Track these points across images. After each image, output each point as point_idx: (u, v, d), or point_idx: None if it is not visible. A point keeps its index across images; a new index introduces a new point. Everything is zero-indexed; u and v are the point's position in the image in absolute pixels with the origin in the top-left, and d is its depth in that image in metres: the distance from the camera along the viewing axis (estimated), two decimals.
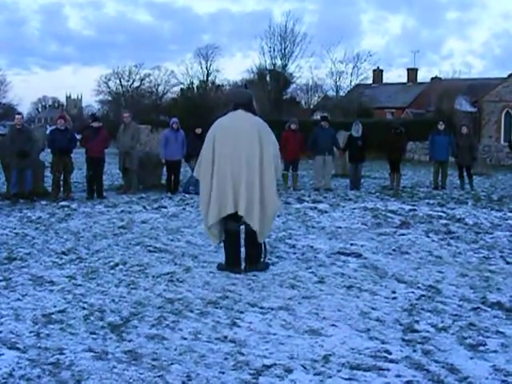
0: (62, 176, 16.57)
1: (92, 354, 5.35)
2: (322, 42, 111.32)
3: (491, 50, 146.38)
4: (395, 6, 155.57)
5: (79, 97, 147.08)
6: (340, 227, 12.12)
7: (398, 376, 4.95)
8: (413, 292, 7.49)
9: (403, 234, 11.41)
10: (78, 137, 18.09)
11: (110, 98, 77.53)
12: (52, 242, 10.50)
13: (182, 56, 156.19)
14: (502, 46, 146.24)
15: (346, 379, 4.86)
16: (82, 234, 11.25)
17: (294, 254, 9.66)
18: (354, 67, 64.53)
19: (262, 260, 8.65)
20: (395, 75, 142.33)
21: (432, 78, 64.30)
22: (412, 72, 69.13)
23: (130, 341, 5.70)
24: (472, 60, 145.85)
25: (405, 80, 69.34)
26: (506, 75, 49.15)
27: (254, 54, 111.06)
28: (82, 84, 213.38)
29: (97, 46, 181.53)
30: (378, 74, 69.42)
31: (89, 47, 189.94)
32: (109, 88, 77.02)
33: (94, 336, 5.82)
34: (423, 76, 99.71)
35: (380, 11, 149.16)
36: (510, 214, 14.19)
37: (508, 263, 9.22)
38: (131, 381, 4.83)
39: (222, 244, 8.79)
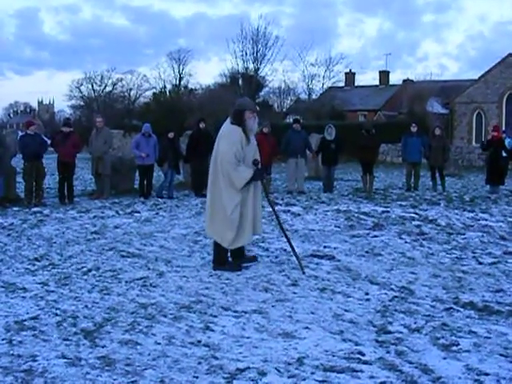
0: (35, 182, 16.47)
1: (65, 360, 5.31)
2: (300, 45, 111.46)
3: (466, 52, 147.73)
4: (372, 9, 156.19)
5: (51, 102, 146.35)
6: (313, 230, 12.14)
7: (372, 377, 4.96)
8: (386, 293, 7.52)
9: (376, 236, 11.46)
10: (49, 141, 18.02)
11: (82, 103, 77.17)
12: (24, 248, 10.44)
13: (158, 60, 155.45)
14: (477, 48, 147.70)
15: (319, 381, 4.86)
16: (55, 239, 11.19)
17: (268, 257, 9.67)
18: (326, 70, 64.81)
19: (218, 261, 8.90)
20: (370, 78, 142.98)
21: (404, 81, 64.64)
22: (384, 74, 69.46)
23: (103, 346, 5.67)
24: (447, 62, 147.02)
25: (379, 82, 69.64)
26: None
27: (231, 58, 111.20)
28: (55, 89, 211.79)
29: (72, 50, 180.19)
30: (350, 76, 69.67)
31: (64, 52, 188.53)
32: (81, 93, 76.69)
33: (67, 342, 5.78)
34: (399, 78, 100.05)
35: (357, 14, 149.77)
36: (481, 215, 14.28)
37: (480, 263, 9.28)
38: None
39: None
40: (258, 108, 9.50)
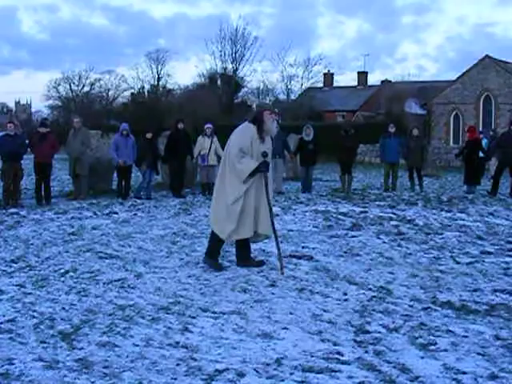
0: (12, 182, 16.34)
1: (42, 363, 5.28)
2: (279, 45, 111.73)
3: (444, 54, 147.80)
4: (352, 10, 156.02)
5: (28, 102, 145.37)
6: (291, 230, 12.15)
7: (350, 377, 4.97)
8: (364, 293, 7.55)
9: (354, 236, 11.49)
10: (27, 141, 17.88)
11: (59, 103, 76.78)
12: (1, 250, 10.36)
13: (137, 60, 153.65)
14: (455, 50, 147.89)
15: (298, 382, 4.87)
16: (32, 241, 11.11)
17: None
18: (304, 71, 64.82)
19: (209, 254, 9.09)
20: (349, 78, 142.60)
21: (382, 81, 64.82)
22: (362, 75, 69.58)
23: (80, 349, 5.64)
24: (425, 63, 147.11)
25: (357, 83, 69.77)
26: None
27: (210, 58, 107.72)
28: (33, 89, 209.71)
29: (50, 50, 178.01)
30: (328, 77, 69.71)
31: (42, 51, 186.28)
32: (58, 93, 76.28)
33: (45, 345, 5.75)
34: (378, 79, 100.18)
35: (337, 15, 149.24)
36: (459, 215, 14.37)
37: (458, 263, 9.33)
38: None
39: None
40: (276, 110, 9.61)
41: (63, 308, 6.97)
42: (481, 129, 35.94)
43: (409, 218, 13.84)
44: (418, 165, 20.63)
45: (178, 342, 5.81)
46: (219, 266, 8.94)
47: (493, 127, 41.02)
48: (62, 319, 6.55)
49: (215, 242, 9.01)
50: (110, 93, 76.23)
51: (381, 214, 14.34)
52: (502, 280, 8.30)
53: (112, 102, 75.33)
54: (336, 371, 5.09)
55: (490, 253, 10.07)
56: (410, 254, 10.02)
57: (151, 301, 7.24)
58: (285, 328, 6.24)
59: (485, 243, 10.91)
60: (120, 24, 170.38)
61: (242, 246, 9.07)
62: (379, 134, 22.13)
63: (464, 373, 5.07)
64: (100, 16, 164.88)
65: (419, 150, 20.40)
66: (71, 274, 8.64)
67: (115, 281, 8.20)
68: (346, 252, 10.13)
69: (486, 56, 47.36)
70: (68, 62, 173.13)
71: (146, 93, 69.74)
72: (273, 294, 7.55)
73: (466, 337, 5.99)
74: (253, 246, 10.08)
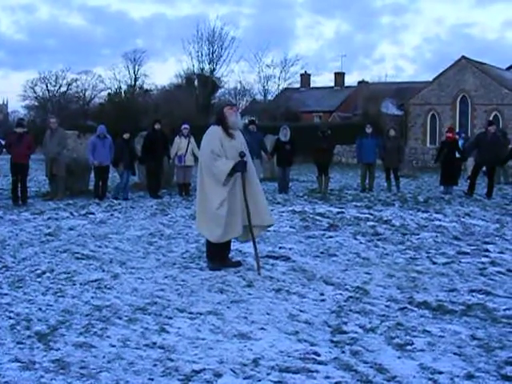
0: None
1: (19, 364, 5.24)
2: (257, 46, 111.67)
3: (422, 55, 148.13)
4: (330, 11, 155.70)
5: (5, 102, 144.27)
6: (268, 231, 12.09)
7: (327, 377, 4.98)
8: (341, 294, 7.56)
9: (331, 237, 11.51)
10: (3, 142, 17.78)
11: (36, 104, 76.42)
12: None
13: (115, 60, 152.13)
14: (433, 51, 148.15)
15: (275, 382, 4.87)
16: (8, 241, 11.05)
17: None
18: (281, 71, 64.89)
19: (209, 258, 9.07)
20: (326, 79, 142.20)
21: (359, 82, 65.03)
22: (339, 76, 69.84)
23: (57, 349, 5.61)
24: (403, 64, 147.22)
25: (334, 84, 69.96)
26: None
27: (187, 59, 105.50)
28: (9, 89, 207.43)
29: (28, 50, 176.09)
30: (305, 78, 69.89)
31: (19, 52, 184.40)
32: (35, 93, 75.94)
33: (21, 346, 5.71)
34: (355, 80, 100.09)
35: (315, 16, 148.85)
36: (435, 215, 14.43)
37: (434, 263, 9.37)
38: None
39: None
40: (235, 103, 9.66)
41: (40, 309, 6.93)
42: (457, 130, 36.21)
43: (385, 218, 13.90)
44: (395, 165, 20.72)
45: (154, 343, 5.80)
46: (216, 264, 8.92)
47: (468, 128, 41.40)
48: (38, 320, 6.51)
49: (210, 245, 8.95)
50: (86, 93, 76.19)
51: (358, 215, 14.39)
52: (478, 280, 8.35)
53: (89, 103, 75.14)
54: (313, 371, 5.09)
55: (466, 253, 10.12)
56: (387, 254, 10.06)
57: (128, 301, 7.21)
58: (262, 328, 6.24)
59: (461, 243, 10.98)
60: (98, 24, 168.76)
61: (221, 246, 9.03)
62: (356, 135, 22.22)
63: (440, 373, 5.09)
64: (77, 16, 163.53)
65: (396, 150, 20.48)
66: (48, 274, 8.60)
67: (92, 281, 8.17)
68: (322, 252, 10.15)
69: (463, 57, 47.82)
70: (45, 63, 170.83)
71: (122, 93, 69.55)
72: (250, 294, 7.55)
73: (443, 337, 6.01)
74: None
